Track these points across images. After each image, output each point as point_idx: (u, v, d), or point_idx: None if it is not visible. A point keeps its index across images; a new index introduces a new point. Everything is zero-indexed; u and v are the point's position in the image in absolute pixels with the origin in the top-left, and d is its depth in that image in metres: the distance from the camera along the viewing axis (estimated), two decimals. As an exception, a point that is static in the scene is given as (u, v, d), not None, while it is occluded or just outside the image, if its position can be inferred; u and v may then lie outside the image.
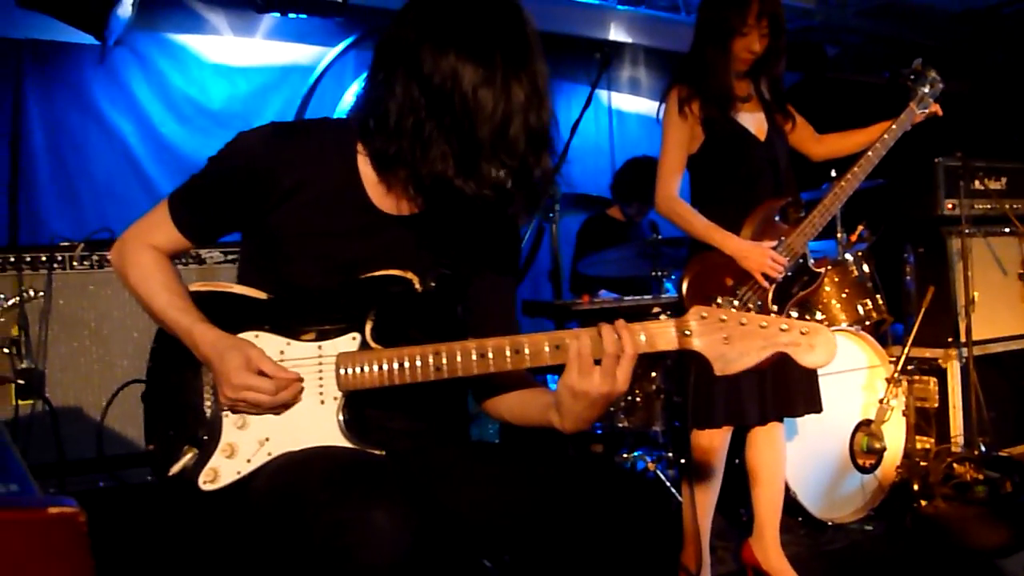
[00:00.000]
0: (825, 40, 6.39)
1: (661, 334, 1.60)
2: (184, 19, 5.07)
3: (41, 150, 4.72)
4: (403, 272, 1.74)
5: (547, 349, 1.62)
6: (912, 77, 3.08)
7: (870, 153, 2.97)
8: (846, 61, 6.58)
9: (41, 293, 3.20)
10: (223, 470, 1.70)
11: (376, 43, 1.65)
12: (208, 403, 1.76)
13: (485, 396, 1.94)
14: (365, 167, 1.77)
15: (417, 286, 1.74)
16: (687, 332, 1.58)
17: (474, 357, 1.64)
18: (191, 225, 1.82)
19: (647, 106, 6.74)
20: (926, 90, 3.05)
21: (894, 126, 3.00)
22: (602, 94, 6.53)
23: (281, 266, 1.78)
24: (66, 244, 3.32)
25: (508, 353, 1.63)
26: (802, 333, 1.55)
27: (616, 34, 6.34)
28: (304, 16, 4.80)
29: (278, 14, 4.76)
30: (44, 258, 3.24)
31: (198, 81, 5.15)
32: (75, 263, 3.29)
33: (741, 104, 3.03)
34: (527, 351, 1.63)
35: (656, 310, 3.79)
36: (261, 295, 1.79)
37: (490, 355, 1.64)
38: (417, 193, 1.66)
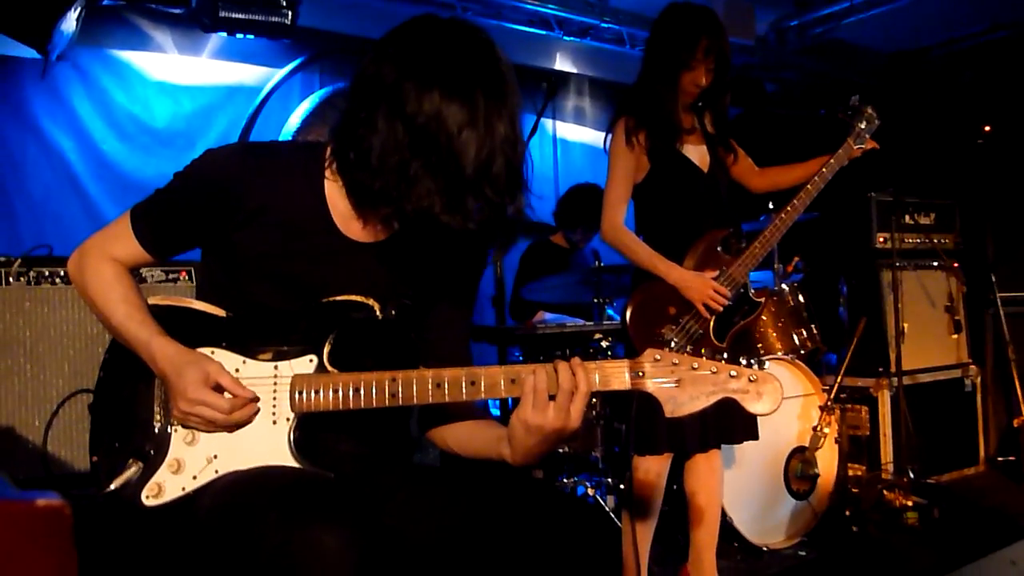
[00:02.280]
0: (765, 77, 6.56)
1: (615, 374, 1.63)
2: (129, 36, 5.01)
3: (-24, 165, 4.64)
4: (365, 298, 1.75)
5: (503, 382, 1.64)
6: (849, 113, 3.17)
7: (809, 187, 3.05)
8: (784, 97, 6.76)
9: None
10: (168, 485, 1.69)
11: (354, 77, 1.66)
12: (158, 417, 1.75)
13: (431, 425, 1.95)
14: (332, 192, 1.78)
15: (378, 313, 1.76)
16: (640, 374, 1.62)
17: (430, 386, 1.66)
18: (153, 239, 1.81)
19: (591, 135, 6.83)
20: (863, 126, 3.14)
21: (832, 160, 3.09)
22: (547, 123, 6.60)
23: (242, 285, 1.79)
24: (2, 260, 3.25)
25: (464, 384, 1.65)
26: (750, 380, 1.60)
27: (562, 64, 6.44)
28: (251, 37, 4.78)
29: (225, 34, 4.74)
30: (-21, 274, 3.17)
31: (142, 99, 5.08)
32: (11, 279, 3.22)
33: (686, 136, 3.10)
34: (483, 383, 1.65)
35: (598, 336, 3.85)
36: (220, 312, 1.79)
37: (446, 385, 1.65)
38: (395, 224, 1.68)
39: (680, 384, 1.61)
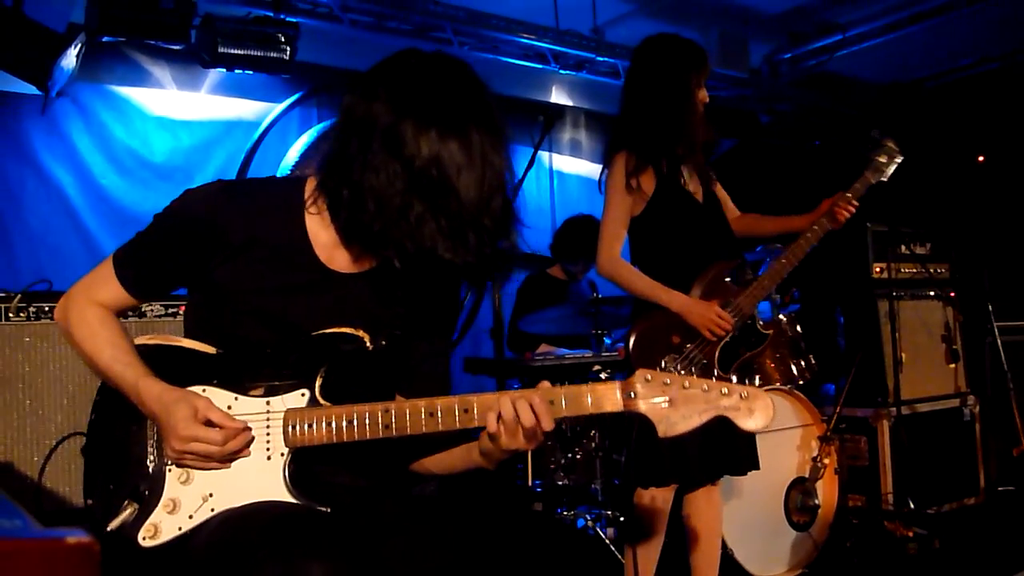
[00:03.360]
0: (759, 109, 6.62)
1: (607, 396, 1.64)
2: (128, 72, 5.06)
3: (-25, 199, 4.66)
4: (355, 330, 1.76)
5: (491, 410, 1.65)
6: (868, 147, 3.15)
7: (824, 219, 3.05)
8: (778, 128, 6.81)
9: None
10: (164, 526, 1.68)
11: (343, 114, 1.67)
12: (151, 457, 1.74)
13: (418, 458, 1.94)
14: (314, 225, 1.80)
15: (368, 344, 1.76)
16: (632, 395, 1.63)
17: (423, 416, 1.66)
18: (136, 282, 1.82)
19: (587, 167, 6.87)
20: (883, 159, 3.11)
21: (848, 194, 3.07)
22: (543, 155, 6.64)
23: (228, 322, 1.79)
24: (2, 295, 3.24)
25: (457, 412, 1.66)
26: (742, 398, 1.61)
27: (557, 97, 6.50)
28: (249, 72, 4.82)
29: (223, 69, 4.78)
30: (-21, 309, 3.16)
31: (141, 134, 5.13)
32: (11, 314, 3.21)
33: (682, 167, 3.08)
34: (476, 410, 1.66)
35: (597, 368, 3.85)
36: (210, 349, 1.79)
37: (439, 414, 1.66)
38: (398, 261, 1.68)
39: (672, 403, 1.62)
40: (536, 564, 1.65)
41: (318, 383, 1.73)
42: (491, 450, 1.69)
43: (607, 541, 3.74)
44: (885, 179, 3.14)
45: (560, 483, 3.90)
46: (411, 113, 1.58)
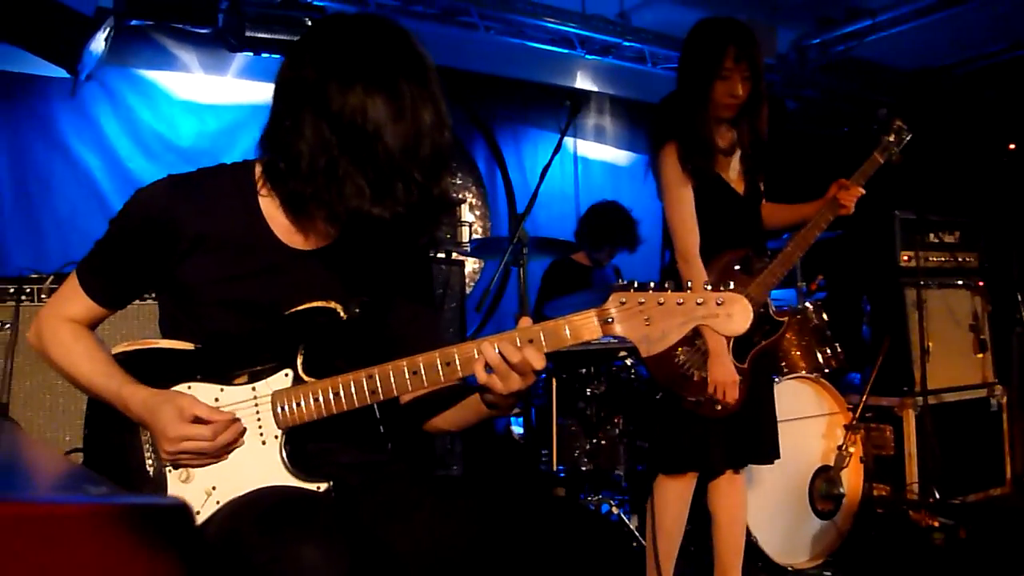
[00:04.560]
0: (785, 95, 6.56)
1: (585, 326, 1.62)
2: (155, 56, 5.09)
3: (5, 182, 4.69)
4: (326, 303, 1.75)
5: (477, 355, 1.63)
6: (875, 127, 3.11)
7: (826, 208, 2.99)
8: (805, 115, 6.75)
9: (8, 325, 3.14)
10: None
11: (275, 88, 1.65)
12: (150, 461, 1.75)
13: (428, 418, 1.94)
14: (268, 207, 1.78)
15: (342, 315, 1.75)
16: (609, 320, 1.61)
17: (407, 375, 1.66)
18: (103, 291, 1.82)
19: (612, 154, 6.85)
20: (891, 138, 3.06)
21: (857, 175, 3.02)
22: (568, 141, 6.60)
23: (199, 317, 1.78)
24: (35, 276, 3.26)
25: (439, 366, 1.65)
26: (718, 304, 1.59)
27: (583, 83, 6.46)
28: (276, 56, 4.82)
29: (250, 53, 4.78)
30: (12, 290, 3.18)
31: (167, 117, 5.16)
32: (43, 296, 3.23)
33: (723, 156, 3.01)
34: (458, 361, 1.64)
35: (623, 354, 3.85)
36: (188, 346, 1.79)
37: (422, 371, 1.65)
38: (334, 227, 1.70)
39: (650, 322, 1.60)
40: (557, 549, 1.64)
41: (299, 361, 1.74)
42: (494, 399, 1.67)
43: (630, 527, 3.74)
44: (895, 159, 3.08)
45: (584, 469, 3.90)
46: (336, 71, 1.56)
